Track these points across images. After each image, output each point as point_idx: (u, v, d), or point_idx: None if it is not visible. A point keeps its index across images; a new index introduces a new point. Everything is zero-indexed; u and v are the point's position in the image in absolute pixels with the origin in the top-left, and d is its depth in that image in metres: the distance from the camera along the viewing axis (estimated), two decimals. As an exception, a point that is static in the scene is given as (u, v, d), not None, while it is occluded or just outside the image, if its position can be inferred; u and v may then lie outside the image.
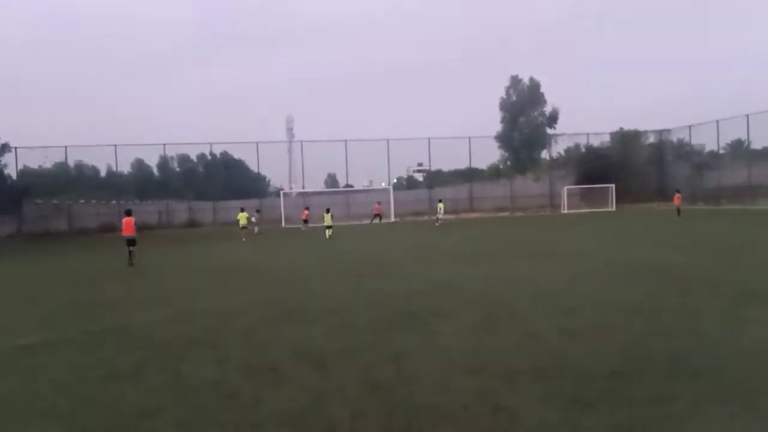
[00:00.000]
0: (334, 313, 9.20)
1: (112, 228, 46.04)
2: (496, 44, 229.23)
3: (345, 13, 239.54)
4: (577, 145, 56.66)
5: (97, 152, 48.72)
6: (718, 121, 48.10)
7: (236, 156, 57.28)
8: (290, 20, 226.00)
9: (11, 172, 46.60)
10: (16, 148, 45.68)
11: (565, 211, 49.16)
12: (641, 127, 56.63)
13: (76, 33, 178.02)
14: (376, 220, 44.28)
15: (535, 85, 56.64)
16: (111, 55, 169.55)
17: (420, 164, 67.54)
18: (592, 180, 50.32)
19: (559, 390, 5.04)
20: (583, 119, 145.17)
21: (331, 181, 65.33)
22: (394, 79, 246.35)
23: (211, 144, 53.51)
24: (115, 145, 48.29)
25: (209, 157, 55.40)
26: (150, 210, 48.81)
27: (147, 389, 5.76)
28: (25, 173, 48.67)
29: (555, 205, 51.83)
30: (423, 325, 7.95)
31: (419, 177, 71.34)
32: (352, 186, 55.38)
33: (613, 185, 49.37)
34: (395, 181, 59.11)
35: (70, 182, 49.67)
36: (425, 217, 48.75)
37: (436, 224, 39.14)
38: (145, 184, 53.91)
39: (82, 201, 51.15)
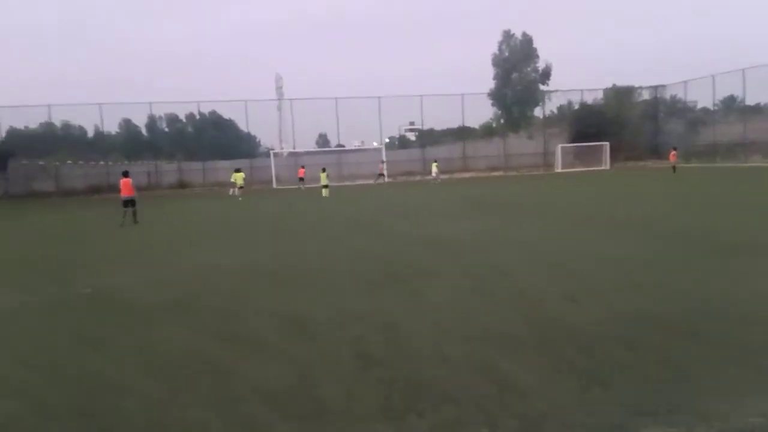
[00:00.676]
0: (325, 275, 8.78)
1: (99, 189, 45.39)
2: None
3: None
4: (570, 103, 55.92)
5: (82, 112, 47.56)
6: (713, 76, 47.35)
7: (226, 116, 56.25)
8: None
9: (-5, 132, 45.80)
10: (-2, 107, 44.62)
11: (560, 170, 48.74)
12: (636, 83, 55.85)
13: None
14: (381, 180, 43.87)
15: (527, 40, 55.36)
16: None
17: (412, 123, 66.69)
18: (586, 138, 49.74)
19: (568, 362, 4.67)
20: (576, 75, 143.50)
21: (322, 141, 64.39)
22: (384, 34, 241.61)
23: (198, 103, 52.21)
24: (100, 104, 47.17)
25: (198, 117, 54.29)
26: (138, 171, 47.69)
27: (115, 360, 5.32)
28: (10, 134, 47.68)
29: (549, 164, 51.35)
30: (416, 288, 7.53)
31: (411, 136, 70.55)
32: (343, 146, 54.58)
33: (608, 143, 48.86)
34: (387, 140, 58.31)
35: (57, 143, 48.70)
36: (418, 177, 48.26)
37: (436, 183, 39.27)
38: (134, 144, 52.98)
39: (69, 162, 50.30)
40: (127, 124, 55.39)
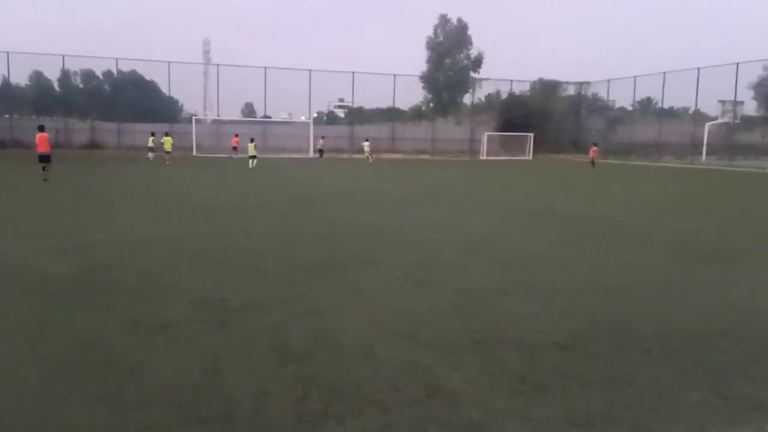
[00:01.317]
0: (247, 256, 8.17)
1: (3, 144, 42.08)
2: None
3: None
4: (499, 92, 56.73)
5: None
6: (635, 77, 49.28)
7: (147, 77, 53.26)
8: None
9: None
10: None
11: (484, 158, 49.43)
12: (563, 79, 57.31)
13: None
14: (319, 155, 43.15)
15: (462, 27, 55.61)
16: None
17: (341, 100, 65.89)
18: (512, 128, 50.67)
19: (502, 365, 4.36)
20: (506, 66, 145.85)
21: (249, 110, 62.39)
22: (322, 7, 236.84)
23: (117, 59, 49.01)
24: (8, 53, 43.51)
25: (116, 75, 51.16)
26: (47, 127, 44.70)
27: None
28: None
29: (474, 151, 51.97)
30: (346, 275, 7.12)
31: (340, 113, 69.79)
32: (270, 117, 53.06)
33: (533, 134, 49.94)
34: (315, 115, 57.24)
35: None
36: (345, 155, 47.70)
37: (369, 161, 39.42)
38: (45, 99, 49.45)
39: (-32, 113, 46.48)
40: (38, 77, 51.66)
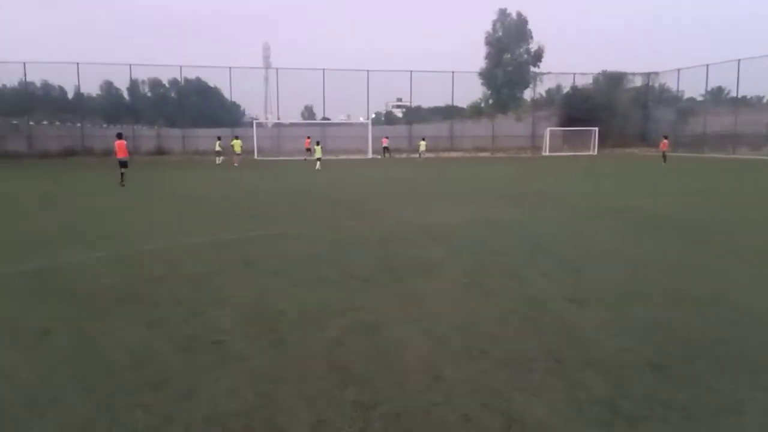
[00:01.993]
0: (303, 263, 7.87)
1: (74, 152, 43.86)
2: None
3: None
4: (560, 86, 55.08)
5: (59, 71, 45.62)
6: (708, 66, 46.72)
7: (210, 83, 54.72)
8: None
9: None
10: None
11: (547, 153, 48.08)
12: (630, 70, 55.10)
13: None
14: (387, 155, 43.22)
15: (522, 21, 54.43)
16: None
17: (399, 99, 65.66)
18: (575, 122, 49.04)
19: (588, 390, 3.82)
20: (568, 59, 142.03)
21: (308, 113, 63.01)
22: (378, 7, 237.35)
23: (181, 67, 50.25)
24: (77, 63, 45.29)
25: (182, 83, 52.53)
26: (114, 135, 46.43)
27: (48, 363, 4.42)
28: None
29: (536, 147, 50.67)
30: (407, 283, 6.68)
31: (398, 113, 69.57)
32: (329, 119, 53.31)
33: (597, 129, 48.18)
34: (373, 116, 57.18)
35: (34, 102, 47.03)
36: (404, 155, 47.36)
37: (419, 159, 39.31)
38: (115, 107, 51.36)
39: (45, 122, 48.67)
40: (109, 87, 53.69)
